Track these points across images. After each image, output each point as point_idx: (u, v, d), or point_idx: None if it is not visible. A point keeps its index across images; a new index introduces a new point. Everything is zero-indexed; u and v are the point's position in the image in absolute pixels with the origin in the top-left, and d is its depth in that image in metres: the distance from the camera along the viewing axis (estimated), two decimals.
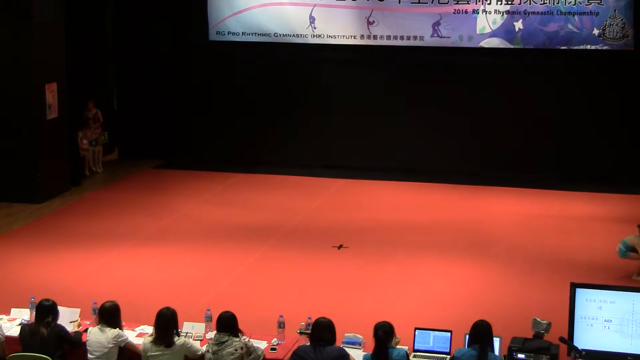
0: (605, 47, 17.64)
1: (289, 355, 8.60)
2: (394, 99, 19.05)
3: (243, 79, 19.68)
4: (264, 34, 19.19)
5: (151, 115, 20.29)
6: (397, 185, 18.01)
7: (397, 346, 8.37)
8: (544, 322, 8.62)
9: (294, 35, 19.07)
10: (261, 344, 8.93)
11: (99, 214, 15.99)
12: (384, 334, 8.19)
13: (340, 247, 14.02)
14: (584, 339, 8.46)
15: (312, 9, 18.90)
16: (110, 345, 8.81)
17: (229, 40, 19.45)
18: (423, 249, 13.97)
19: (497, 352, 8.37)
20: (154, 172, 19.37)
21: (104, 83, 20.78)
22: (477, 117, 18.71)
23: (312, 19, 18.94)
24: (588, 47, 17.73)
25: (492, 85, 18.63)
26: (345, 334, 8.99)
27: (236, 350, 8.50)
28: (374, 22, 18.68)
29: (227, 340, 8.53)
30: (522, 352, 8.39)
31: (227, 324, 8.63)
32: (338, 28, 18.84)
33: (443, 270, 13.04)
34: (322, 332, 8.34)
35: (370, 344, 8.45)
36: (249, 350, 8.57)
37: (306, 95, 19.47)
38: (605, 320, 8.50)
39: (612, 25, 17.48)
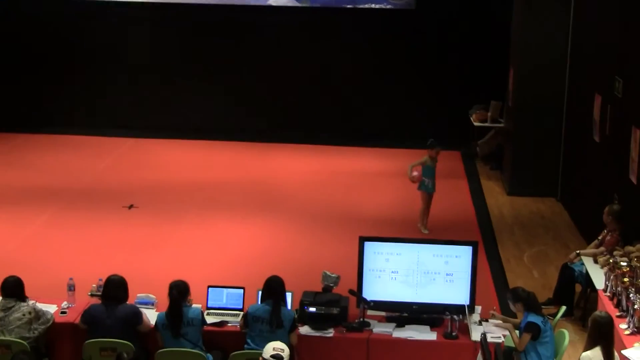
0: (388, 6, 18.12)
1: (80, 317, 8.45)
2: (181, 57, 18.88)
3: (27, 35, 18.97)
4: None
5: None
6: (187, 144, 17.92)
7: (192, 305, 8.37)
8: (334, 275, 8.82)
9: None
10: (51, 308, 8.73)
11: None
12: (178, 293, 8.18)
13: (130, 207, 13.84)
14: (373, 291, 8.72)
15: None
16: None
17: None
18: (214, 208, 14.00)
19: (289, 306, 8.50)
20: None
21: None
22: (265, 76, 18.80)
23: None
24: (373, 5, 18.14)
25: (281, 44, 18.74)
26: (138, 295, 8.90)
27: (24, 315, 8.28)
28: None
29: (14, 306, 8.29)
30: (313, 306, 8.57)
31: (13, 289, 8.38)
32: None
33: (234, 228, 13.13)
34: (114, 290, 8.27)
35: (164, 303, 8.41)
36: (37, 315, 8.37)
37: (92, 53, 18.98)
38: (392, 272, 8.78)
39: None
